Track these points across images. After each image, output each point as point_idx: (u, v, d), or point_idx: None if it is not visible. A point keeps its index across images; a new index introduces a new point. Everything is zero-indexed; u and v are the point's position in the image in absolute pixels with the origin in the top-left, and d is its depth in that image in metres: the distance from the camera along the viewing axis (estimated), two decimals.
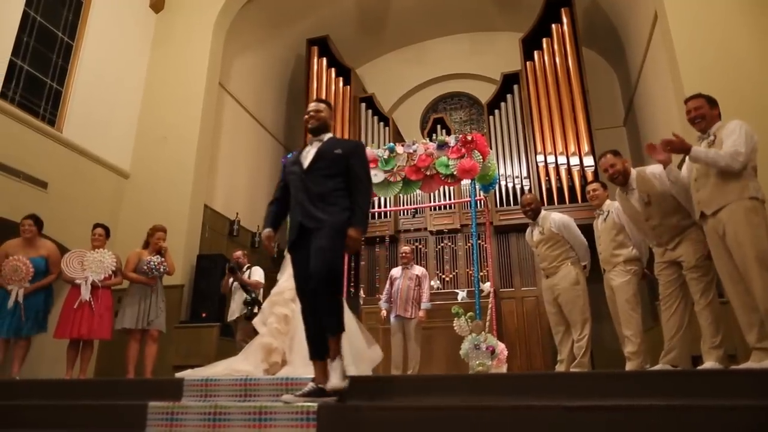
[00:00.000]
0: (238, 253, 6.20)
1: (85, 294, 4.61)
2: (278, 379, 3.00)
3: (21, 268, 4.58)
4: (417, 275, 5.90)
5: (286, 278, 4.04)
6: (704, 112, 3.26)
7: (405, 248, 6.24)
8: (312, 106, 3.20)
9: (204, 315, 6.95)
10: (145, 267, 4.87)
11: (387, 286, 6.07)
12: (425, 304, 5.75)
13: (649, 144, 3.33)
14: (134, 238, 6.57)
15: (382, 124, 9.36)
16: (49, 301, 4.83)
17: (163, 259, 4.96)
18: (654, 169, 3.59)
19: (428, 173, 5.04)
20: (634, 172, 3.75)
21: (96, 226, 5.06)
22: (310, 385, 2.73)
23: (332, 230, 2.81)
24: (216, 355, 6.51)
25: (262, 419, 2.55)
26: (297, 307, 4.00)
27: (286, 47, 10.33)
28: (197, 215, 7.79)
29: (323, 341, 2.80)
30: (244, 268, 6.10)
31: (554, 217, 4.58)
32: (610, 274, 4.07)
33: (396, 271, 6.07)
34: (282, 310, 3.91)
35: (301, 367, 3.45)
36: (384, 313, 5.98)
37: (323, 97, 9.38)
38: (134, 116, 8.24)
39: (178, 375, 3.49)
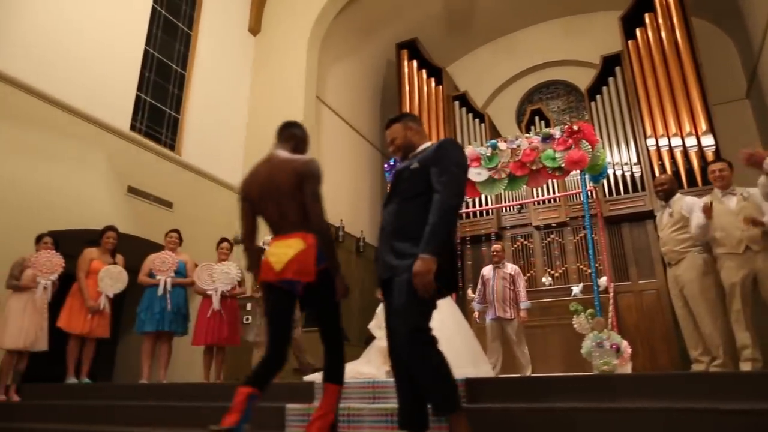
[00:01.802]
0: None
1: (216, 304, 5.00)
2: None
3: (168, 260, 5.17)
4: (510, 274, 5.70)
5: None
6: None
7: (495, 246, 5.98)
8: (387, 134, 2.65)
9: None
10: None
11: (479, 286, 5.91)
12: (525, 304, 5.57)
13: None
14: None
15: (477, 121, 9.24)
16: (187, 303, 5.29)
17: None
18: None
19: (534, 168, 4.91)
20: None
21: (222, 240, 5.46)
22: None
23: (405, 282, 2.18)
24: None
25: (393, 421, 2.62)
26: None
27: (376, 54, 10.53)
28: None
29: (419, 409, 2.31)
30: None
31: (687, 200, 4.28)
32: (758, 255, 3.79)
33: (487, 271, 5.88)
34: None
35: None
36: (476, 314, 5.86)
37: (416, 99, 9.45)
38: (242, 134, 8.80)
39: (307, 378, 3.68)
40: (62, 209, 5.82)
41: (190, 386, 4.24)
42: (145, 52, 7.38)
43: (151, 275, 5.13)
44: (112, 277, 4.99)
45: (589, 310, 4.26)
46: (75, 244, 5.45)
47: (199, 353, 5.32)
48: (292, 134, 2.75)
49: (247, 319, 6.27)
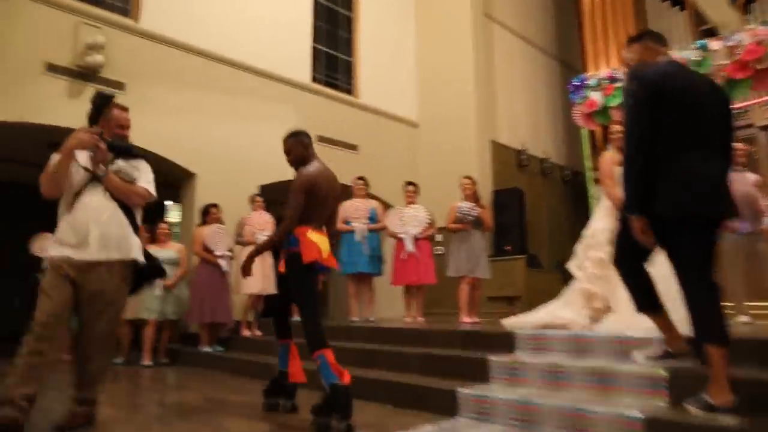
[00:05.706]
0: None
1: (409, 246, 5.21)
2: (612, 337, 2.90)
3: (360, 207, 5.49)
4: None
5: (599, 218, 3.82)
6: None
7: (738, 144, 4.99)
8: (624, 55, 2.60)
9: (508, 248, 7.22)
10: (459, 214, 5.07)
11: None
12: None
13: None
14: (431, 181, 7.15)
15: (677, 8, 7.82)
16: (380, 246, 5.54)
17: (473, 204, 5.09)
18: None
19: (760, 66, 4.06)
20: None
21: (408, 183, 5.58)
22: (660, 348, 2.45)
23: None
24: (524, 286, 6.74)
25: (603, 381, 2.53)
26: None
27: None
28: (485, 151, 7.96)
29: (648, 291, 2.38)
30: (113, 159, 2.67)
31: None
32: None
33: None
34: (597, 254, 3.73)
35: (627, 314, 3.28)
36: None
37: None
38: (413, 68, 8.74)
39: (506, 323, 3.72)
40: (266, 165, 6.44)
41: (394, 331, 4.55)
42: (315, 2, 7.62)
43: (346, 222, 5.49)
44: None
45: None
46: (282, 193, 6.10)
47: (399, 291, 5.70)
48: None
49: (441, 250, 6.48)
